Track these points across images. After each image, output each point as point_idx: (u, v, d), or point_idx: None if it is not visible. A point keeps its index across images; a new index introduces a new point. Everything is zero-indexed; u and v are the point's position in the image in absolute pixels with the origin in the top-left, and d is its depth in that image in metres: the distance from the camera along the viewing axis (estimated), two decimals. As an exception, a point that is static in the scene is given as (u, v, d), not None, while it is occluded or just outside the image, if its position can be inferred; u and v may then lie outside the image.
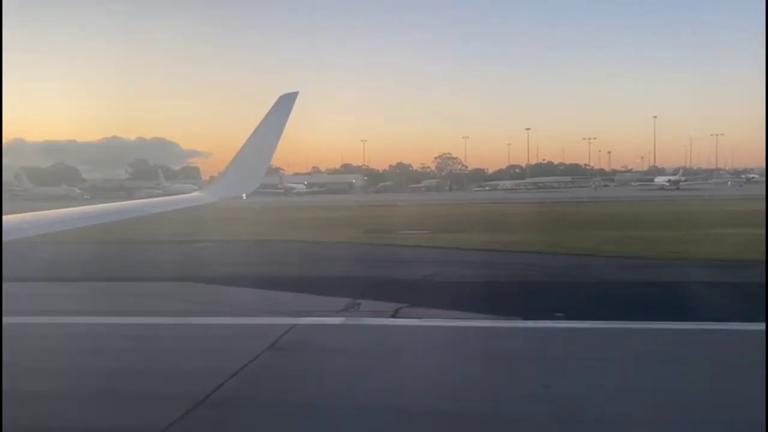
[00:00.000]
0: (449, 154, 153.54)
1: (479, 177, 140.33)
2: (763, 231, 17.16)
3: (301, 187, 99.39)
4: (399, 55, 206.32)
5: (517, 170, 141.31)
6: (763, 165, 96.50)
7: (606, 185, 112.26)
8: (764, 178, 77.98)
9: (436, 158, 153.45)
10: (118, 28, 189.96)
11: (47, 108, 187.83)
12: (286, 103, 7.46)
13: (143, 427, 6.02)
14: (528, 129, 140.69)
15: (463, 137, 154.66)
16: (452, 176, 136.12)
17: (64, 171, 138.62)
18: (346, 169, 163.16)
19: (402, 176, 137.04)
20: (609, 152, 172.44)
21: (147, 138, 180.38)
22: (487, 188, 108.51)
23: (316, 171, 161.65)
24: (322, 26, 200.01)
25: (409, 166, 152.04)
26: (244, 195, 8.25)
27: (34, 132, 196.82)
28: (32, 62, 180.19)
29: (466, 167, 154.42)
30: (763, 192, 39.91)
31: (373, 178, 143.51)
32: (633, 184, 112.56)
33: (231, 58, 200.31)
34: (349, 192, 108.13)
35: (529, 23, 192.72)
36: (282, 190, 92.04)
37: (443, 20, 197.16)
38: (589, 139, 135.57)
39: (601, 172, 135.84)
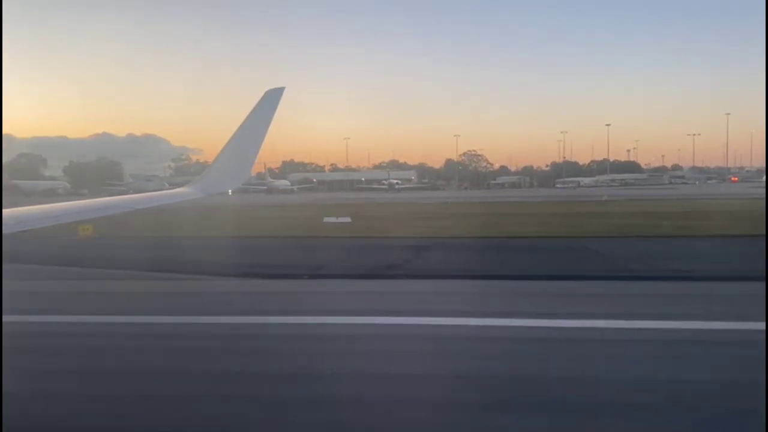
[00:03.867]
0: (475, 151, 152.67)
1: (501, 174, 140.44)
2: None
3: (399, 184, 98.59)
4: (399, 58, 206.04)
5: (574, 167, 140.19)
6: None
7: (684, 183, 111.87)
8: None
9: (462, 155, 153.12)
10: (108, 25, 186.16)
11: (37, 104, 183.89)
12: (272, 98, 7.25)
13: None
14: (608, 125, 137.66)
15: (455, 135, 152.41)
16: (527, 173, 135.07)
17: (107, 166, 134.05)
18: (392, 164, 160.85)
19: (465, 173, 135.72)
20: (628, 150, 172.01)
21: (137, 134, 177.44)
22: (570, 185, 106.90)
23: (335, 168, 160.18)
24: (328, 21, 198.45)
25: (459, 164, 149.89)
26: (229, 191, 8.09)
27: (24, 128, 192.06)
28: (21, 58, 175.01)
29: (492, 164, 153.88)
30: None
31: (427, 175, 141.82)
32: (709, 181, 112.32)
33: (225, 53, 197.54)
34: (442, 189, 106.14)
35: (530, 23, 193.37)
36: (386, 186, 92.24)
37: (464, 20, 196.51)
38: (636, 140, 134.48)
39: (661, 170, 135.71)
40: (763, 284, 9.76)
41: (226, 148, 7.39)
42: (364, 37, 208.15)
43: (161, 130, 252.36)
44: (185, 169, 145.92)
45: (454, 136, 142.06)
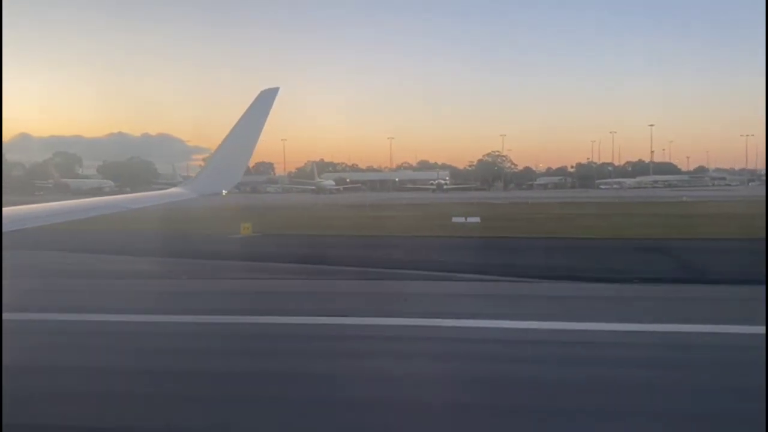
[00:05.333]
0: (498, 152, 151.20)
1: (527, 176, 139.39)
2: None
3: (447, 184, 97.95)
4: (413, 57, 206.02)
5: (609, 168, 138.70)
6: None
7: (728, 184, 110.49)
8: None
9: (484, 156, 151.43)
10: (124, 24, 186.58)
11: (53, 104, 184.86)
12: (266, 98, 7.24)
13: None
14: (651, 125, 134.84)
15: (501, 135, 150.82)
16: (565, 174, 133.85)
17: (140, 165, 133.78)
18: (422, 165, 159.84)
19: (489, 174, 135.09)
20: (652, 152, 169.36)
21: (152, 134, 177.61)
22: (615, 186, 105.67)
23: (355, 168, 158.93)
24: (347, 21, 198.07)
25: (494, 166, 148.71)
26: (223, 191, 7.92)
27: (40, 127, 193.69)
28: (38, 58, 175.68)
29: (516, 165, 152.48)
30: None
31: (456, 176, 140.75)
32: (751, 183, 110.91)
33: (241, 53, 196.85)
34: (487, 190, 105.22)
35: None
36: (434, 186, 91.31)
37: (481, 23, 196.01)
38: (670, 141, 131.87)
39: (699, 171, 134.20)
40: None
41: (220, 148, 7.35)
42: (383, 36, 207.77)
43: (175, 130, 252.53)
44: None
45: (500, 135, 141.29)
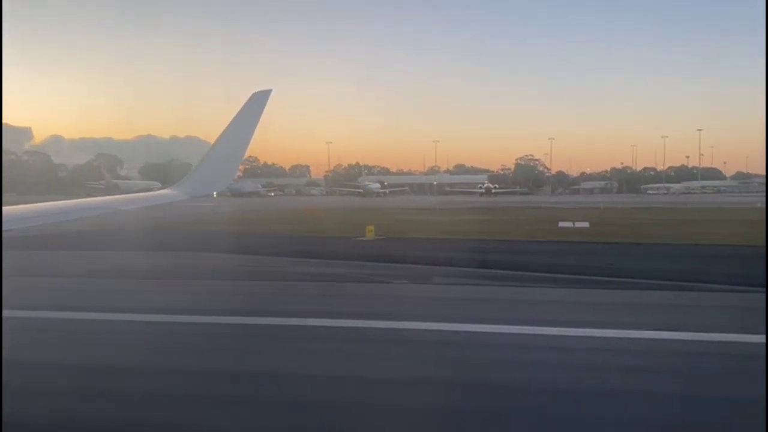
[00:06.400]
0: (531, 155, 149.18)
1: (562, 180, 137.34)
2: None
3: (496, 188, 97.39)
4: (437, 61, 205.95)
5: (651, 173, 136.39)
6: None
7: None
8: None
9: (517, 160, 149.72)
10: (153, 29, 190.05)
11: (84, 106, 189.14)
12: (259, 100, 7.20)
13: None
14: (700, 130, 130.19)
15: (549, 138, 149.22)
16: (610, 178, 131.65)
17: (179, 167, 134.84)
18: (460, 169, 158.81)
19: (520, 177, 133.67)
20: (687, 157, 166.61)
21: (180, 136, 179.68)
22: (662, 191, 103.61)
23: (386, 171, 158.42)
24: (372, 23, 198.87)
25: (534, 169, 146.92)
26: (214, 193, 8.07)
27: (72, 129, 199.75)
28: (70, 62, 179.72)
29: (549, 169, 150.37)
30: None
31: (493, 180, 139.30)
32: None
33: (268, 56, 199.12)
34: (534, 194, 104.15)
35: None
36: (483, 190, 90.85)
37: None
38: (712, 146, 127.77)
39: (744, 176, 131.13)
40: None
41: (212, 150, 7.30)
42: (406, 41, 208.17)
43: (203, 132, 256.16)
44: (253, 171, 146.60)
45: (549, 139, 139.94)
